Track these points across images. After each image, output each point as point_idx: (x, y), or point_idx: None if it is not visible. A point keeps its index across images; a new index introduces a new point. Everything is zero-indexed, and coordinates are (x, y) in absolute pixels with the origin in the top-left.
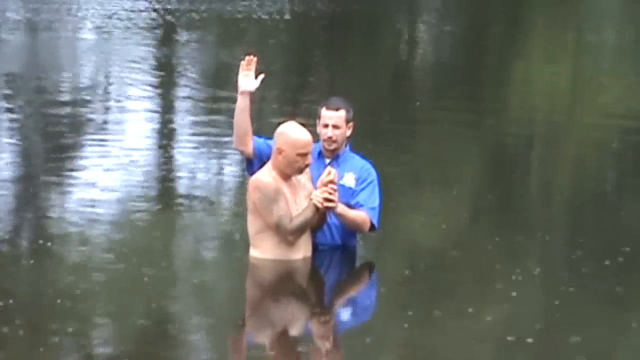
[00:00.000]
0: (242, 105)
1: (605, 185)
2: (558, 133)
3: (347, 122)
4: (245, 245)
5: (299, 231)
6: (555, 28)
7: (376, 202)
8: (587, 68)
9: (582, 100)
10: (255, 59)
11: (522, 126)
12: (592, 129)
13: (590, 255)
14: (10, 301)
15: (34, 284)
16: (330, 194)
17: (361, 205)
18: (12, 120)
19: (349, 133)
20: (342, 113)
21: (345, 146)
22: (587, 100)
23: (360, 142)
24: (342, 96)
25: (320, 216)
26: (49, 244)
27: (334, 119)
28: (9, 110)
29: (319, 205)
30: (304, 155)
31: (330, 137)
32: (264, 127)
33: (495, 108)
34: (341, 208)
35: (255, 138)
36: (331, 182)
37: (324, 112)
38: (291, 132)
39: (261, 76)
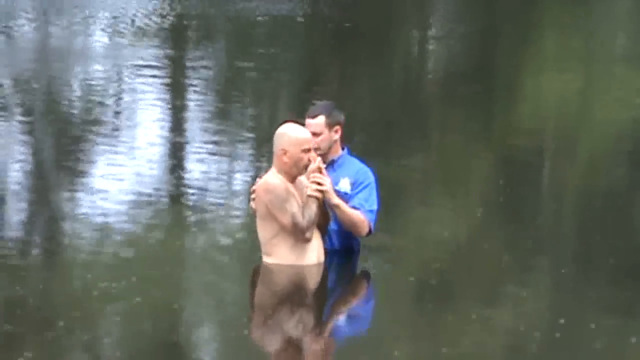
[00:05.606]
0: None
1: (617, 190)
2: (569, 139)
3: (331, 126)
4: (257, 251)
5: (312, 225)
6: (566, 32)
7: (374, 206)
8: (599, 72)
9: (593, 107)
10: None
11: (534, 132)
12: (604, 135)
13: (602, 257)
14: (21, 307)
15: (43, 289)
16: (318, 177)
17: (358, 208)
18: (19, 127)
19: (336, 137)
20: (320, 120)
21: (343, 149)
22: (598, 105)
23: (368, 148)
24: (350, 104)
25: (324, 215)
26: (59, 250)
27: (313, 127)
28: (18, 117)
29: (314, 194)
30: (308, 150)
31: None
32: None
33: (506, 114)
34: (337, 200)
35: None
36: (318, 169)
37: (306, 120)
38: (291, 131)
39: None
